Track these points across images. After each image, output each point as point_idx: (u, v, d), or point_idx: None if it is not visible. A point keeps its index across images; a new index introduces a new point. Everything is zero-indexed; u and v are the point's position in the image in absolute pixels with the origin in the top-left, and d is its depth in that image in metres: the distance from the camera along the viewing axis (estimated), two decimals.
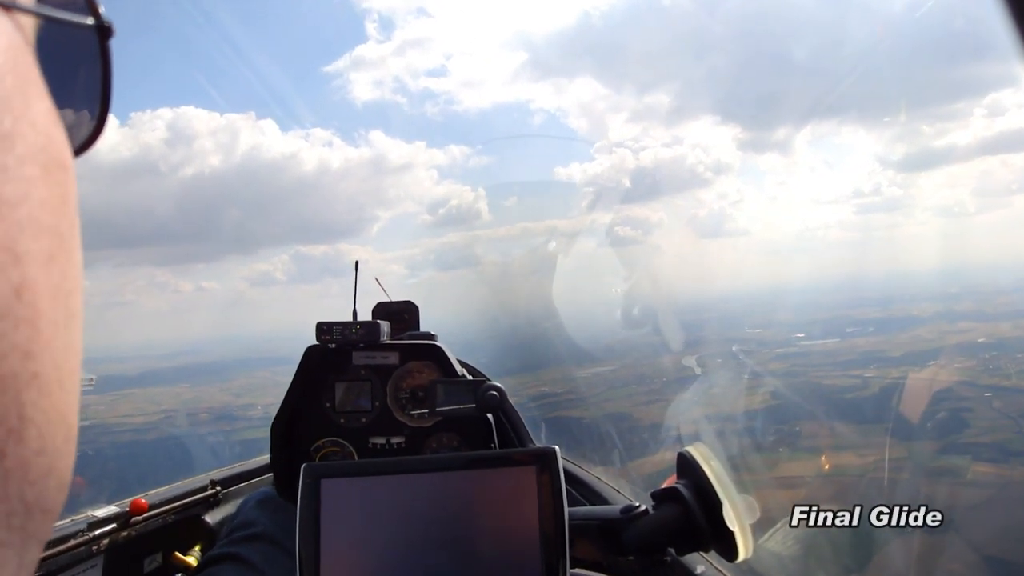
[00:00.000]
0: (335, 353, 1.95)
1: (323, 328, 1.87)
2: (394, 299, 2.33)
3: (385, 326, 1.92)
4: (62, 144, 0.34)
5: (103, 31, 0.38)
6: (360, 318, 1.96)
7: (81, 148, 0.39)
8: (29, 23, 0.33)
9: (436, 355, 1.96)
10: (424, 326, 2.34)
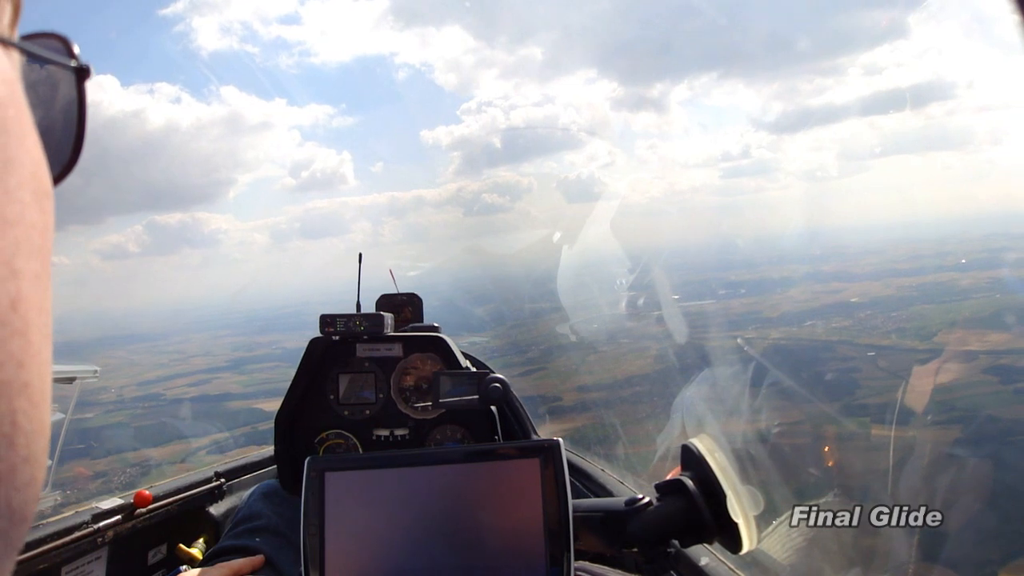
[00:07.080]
0: (339, 345, 1.89)
1: (327, 320, 1.82)
2: (397, 291, 2.31)
3: (388, 318, 1.88)
4: (47, 173, 0.38)
5: (81, 72, 0.42)
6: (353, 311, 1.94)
7: (57, 179, 0.42)
8: (16, 60, 0.37)
9: (439, 347, 1.90)
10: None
